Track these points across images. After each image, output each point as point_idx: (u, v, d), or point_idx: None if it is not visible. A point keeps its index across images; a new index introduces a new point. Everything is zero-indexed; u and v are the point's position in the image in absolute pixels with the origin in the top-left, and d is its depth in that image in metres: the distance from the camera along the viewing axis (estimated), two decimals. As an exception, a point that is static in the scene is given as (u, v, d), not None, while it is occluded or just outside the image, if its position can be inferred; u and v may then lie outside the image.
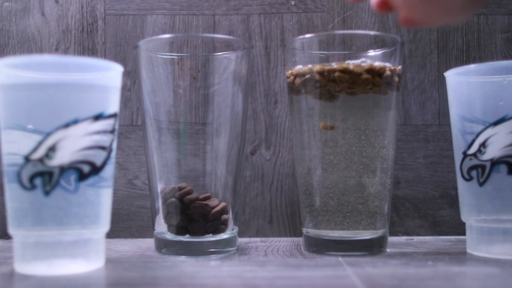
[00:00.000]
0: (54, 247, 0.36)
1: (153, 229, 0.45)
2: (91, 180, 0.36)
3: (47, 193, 0.35)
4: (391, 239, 0.49)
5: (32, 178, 0.35)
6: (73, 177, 0.36)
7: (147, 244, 0.51)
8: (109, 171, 0.38)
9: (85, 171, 0.36)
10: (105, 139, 0.37)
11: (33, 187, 0.35)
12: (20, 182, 0.35)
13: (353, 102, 0.43)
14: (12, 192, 0.36)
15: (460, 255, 0.44)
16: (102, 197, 0.38)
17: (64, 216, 0.35)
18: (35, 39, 0.59)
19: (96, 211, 0.37)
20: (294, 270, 0.37)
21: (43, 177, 0.35)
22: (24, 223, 0.36)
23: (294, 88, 0.45)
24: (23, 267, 0.36)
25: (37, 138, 0.35)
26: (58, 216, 0.35)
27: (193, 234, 0.43)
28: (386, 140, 0.44)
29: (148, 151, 0.45)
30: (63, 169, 0.35)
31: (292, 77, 0.45)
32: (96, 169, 0.37)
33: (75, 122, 0.35)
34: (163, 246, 0.44)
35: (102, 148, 0.37)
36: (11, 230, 0.37)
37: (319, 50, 0.45)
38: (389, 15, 0.59)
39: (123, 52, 0.59)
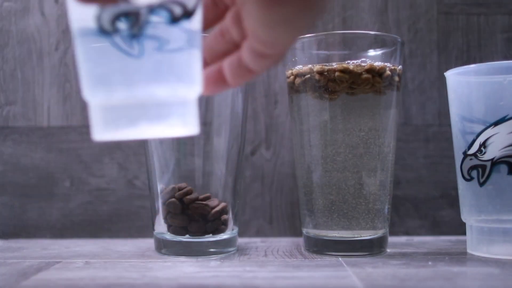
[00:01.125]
0: (144, 108, 0.30)
1: (153, 229, 0.45)
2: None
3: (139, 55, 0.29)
4: (391, 239, 0.49)
5: (115, 20, 0.28)
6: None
7: (147, 244, 0.51)
8: None
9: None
10: None
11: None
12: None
13: (353, 102, 0.43)
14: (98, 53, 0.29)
15: (460, 255, 0.44)
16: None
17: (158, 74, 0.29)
18: (35, 39, 0.59)
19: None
20: (294, 270, 0.37)
21: (128, 18, 0.28)
22: (110, 84, 0.29)
23: (294, 88, 0.45)
24: (105, 134, 0.31)
25: None
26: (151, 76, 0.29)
27: (193, 234, 0.43)
28: (386, 140, 0.44)
29: (148, 151, 0.45)
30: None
31: (292, 77, 0.45)
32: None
33: None
34: (163, 246, 0.44)
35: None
36: (89, 94, 0.31)
37: (319, 50, 0.45)
38: (390, 14, 0.59)
39: (123, 52, 0.59)
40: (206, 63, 0.31)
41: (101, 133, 0.30)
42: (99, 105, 0.30)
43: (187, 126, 0.30)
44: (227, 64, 0.30)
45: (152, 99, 0.29)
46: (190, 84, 0.30)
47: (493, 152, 0.42)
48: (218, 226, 0.44)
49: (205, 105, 0.44)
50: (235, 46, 0.30)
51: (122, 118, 0.29)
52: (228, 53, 0.30)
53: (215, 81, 0.31)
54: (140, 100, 0.29)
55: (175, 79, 0.29)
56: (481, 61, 0.58)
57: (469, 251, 0.45)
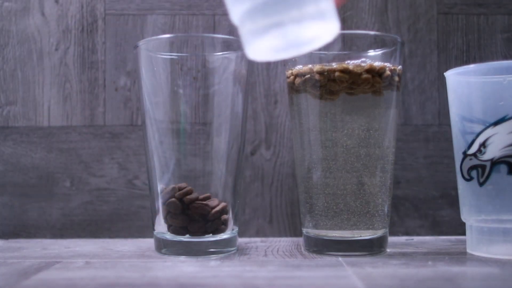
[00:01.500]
0: (285, 7, 0.30)
1: (153, 229, 0.45)
2: None
3: None
4: (391, 239, 0.49)
5: None
6: None
7: (147, 244, 0.51)
8: None
9: None
10: None
11: None
12: None
13: (353, 102, 0.43)
14: None
15: (460, 255, 0.44)
16: None
17: None
18: (35, 39, 0.59)
19: None
20: (294, 270, 0.37)
21: None
22: None
23: (294, 88, 0.45)
24: (256, 45, 0.31)
25: None
26: None
27: (193, 234, 0.43)
28: (386, 140, 0.44)
29: (148, 151, 0.45)
30: None
31: (292, 77, 0.45)
32: None
33: None
34: (163, 246, 0.44)
35: None
36: (236, 9, 0.32)
37: (319, 50, 0.45)
38: (389, 14, 0.59)
39: (123, 52, 0.59)
40: None
41: (252, 45, 0.31)
42: (247, 19, 0.31)
43: (328, 22, 0.30)
44: None
45: None
46: None
47: (492, 152, 0.42)
48: (218, 226, 0.44)
49: (205, 105, 0.44)
50: None
51: (269, 25, 0.30)
52: None
53: None
54: None
55: None
56: (481, 61, 0.58)
57: (469, 251, 0.45)
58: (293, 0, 0.30)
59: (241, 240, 0.53)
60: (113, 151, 0.58)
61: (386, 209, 0.45)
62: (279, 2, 0.30)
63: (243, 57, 0.45)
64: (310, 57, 0.45)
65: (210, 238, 0.43)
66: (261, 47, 0.31)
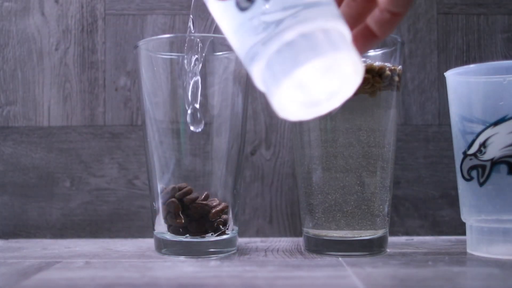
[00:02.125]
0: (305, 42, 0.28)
1: (153, 229, 0.45)
2: None
3: None
4: (391, 239, 0.49)
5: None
6: None
7: (147, 244, 0.51)
8: None
9: None
10: None
11: None
12: None
13: (353, 102, 0.43)
14: None
15: (460, 255, 0.44)
16: None
17: None
18: (35, 39, 0.59)
19: None
20: (294, 270, 0.37)
21: None
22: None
23: (294, 88, 0.45)
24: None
25: None
26: None
27: (193, 234, 0.43)
28: (386, 140, 0.44)
29: (148, 151, 0.45)
30: None
31: (292, 77, 0.45)
32: None
33: None
34: (163, 246, 0.44)
35: None
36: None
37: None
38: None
39: (123, 52, 0.59)
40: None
41: (280, 104, 0.29)
42: (268, 78, 0.29)
43: (353, 68, 0.28)
44: (370, 18, 0.32)
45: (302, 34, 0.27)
46: (334, 18, 0.28)
47: (493, 152, 0.42)
48: (218, 226, 0.44)
49: (205, 105, 0.44)
50: (369, 2, 0.32)
51: (291, 80, 0.28)
52: (364, 12, 0.32)
53: (365, 37, 0.32)
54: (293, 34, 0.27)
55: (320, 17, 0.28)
56: (481, 61, 0.58)
57: (469, 251, 0.45)
58: (310, 49, 0.27)
59: (241, 240, 0.53)
60: (113, 151, 0.58)
61: (386, 209, 0.45)
62: (296, 53, 0.27)
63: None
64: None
65: (210, 238, 0.43)
66: (290, 104, 0.29)
